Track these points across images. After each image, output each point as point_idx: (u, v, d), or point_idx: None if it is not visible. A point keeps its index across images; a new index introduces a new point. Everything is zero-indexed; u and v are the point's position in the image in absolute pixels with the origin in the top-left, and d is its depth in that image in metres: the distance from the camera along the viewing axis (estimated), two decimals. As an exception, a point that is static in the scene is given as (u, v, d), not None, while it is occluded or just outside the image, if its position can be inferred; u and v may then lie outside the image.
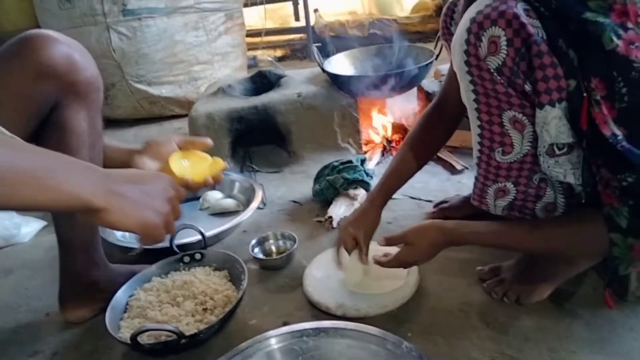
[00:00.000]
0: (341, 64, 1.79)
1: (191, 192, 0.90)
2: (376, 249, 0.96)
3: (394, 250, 0.92)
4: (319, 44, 3.08)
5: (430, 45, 2.09)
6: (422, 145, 1.06)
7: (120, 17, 2.04)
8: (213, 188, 1.43)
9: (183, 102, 2.27)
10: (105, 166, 1.03)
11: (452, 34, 0.96)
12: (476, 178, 0.88)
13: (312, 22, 3.05)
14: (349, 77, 1.64)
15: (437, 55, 1.62)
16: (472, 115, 0.82)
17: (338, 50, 2.66)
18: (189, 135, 1.85)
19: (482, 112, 0.79)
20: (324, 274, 1.04)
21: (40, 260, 1.30)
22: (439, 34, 1.10)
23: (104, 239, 1.14)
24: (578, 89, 0.69)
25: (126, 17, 2.04)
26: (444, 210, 1.22)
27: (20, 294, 1.18)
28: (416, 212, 1.29)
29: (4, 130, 0.62)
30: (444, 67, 1.63)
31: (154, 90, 2.19)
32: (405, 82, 1.59)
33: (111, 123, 2.23)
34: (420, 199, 1.34)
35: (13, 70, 0.80)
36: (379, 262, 0.93)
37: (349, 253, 1.00)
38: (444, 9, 1.04)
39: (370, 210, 1.03)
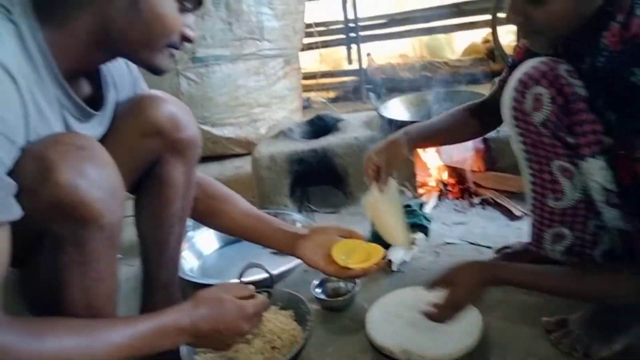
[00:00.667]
0: (396, 109, 1.85)
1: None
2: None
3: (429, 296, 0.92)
4: (371, 86, 3.20)
5: (482, 88, 2.13)
6: (457, 127, 1.14)
7: (189, 64, 2.20)
8: None
9: (243, 142, 2.39)
10: (269, 246, 1.19)
11: (514, 62, 1.05)
12: (532, 224, 0.91)
13: (364, 65, 3.16)
14: (404, 123, 1.69)
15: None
16: (523, 164, 0.89)
17: (389, 92, 2.73)
18: (251, 173, 1.95)
19: (532, 161, 0.86)
20: (386, 317, 1.06)
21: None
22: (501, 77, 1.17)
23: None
24: (615, 147, 0.73)
25: (195, 64, 2.20)
26: (506, 257, 1.22)
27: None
28: (476, 258, 1.30)
29: None
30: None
31: (216, 131, 2.33)
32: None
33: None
34: (479, 245, 1.35)
35: (125, 127, 0.89)
36: (429, 316, 0.90)
37: (371, 181, 1.05)
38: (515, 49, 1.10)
39: (399, 140, 1.06)
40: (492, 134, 1.71)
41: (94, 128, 0.85)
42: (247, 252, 1.41)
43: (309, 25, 2.66)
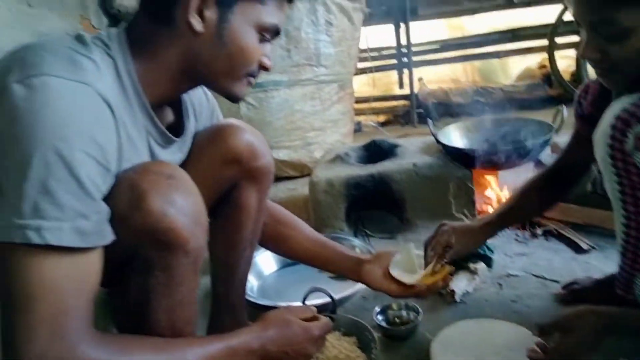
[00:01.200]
0: (453, 135, 1.84)
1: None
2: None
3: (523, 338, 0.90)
4: (422, 110, 3.20)
5: (540, 114, 2.08)
6: (534, 200, 1.14)
7: (249, 89, 2.28)
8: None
9: (297, 165, 2.43)
10: (334, 271, 1.22)
11: (582, 109, 1.02)
12: (621, 267, 0.87)
13: (415, 90, 3.16)
14: (463, 150, 1.68)
15: (557, 130, 1.62)
16: (616, 204, 0.84)
17: (441, 116, 2.72)
18: (305, 195, 1.98)
19: (628, 203, 0.82)
20: (451, 349, 1.05)
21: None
22: (565, 108, 1.15)
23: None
24: None
25: (255, 89, 2.28)
26: (574, 293, 1.18)
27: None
28: (541, 291, 1.26)
29: None
30: (562, 141, 1.62)
31: (273, 154, 2.38)
32: (522, 156, 1.60)
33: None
34: (544, 278, 1.31)
35: (205, 154, 0.94)
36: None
37: (433, 250, 1.06)
38: (579, 90, 1.07)
39: (479, 230, 1.09)
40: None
41: (174, 154, 0.90)
42: (305, 275, 1.42)
43: (362, 51, 2.70)
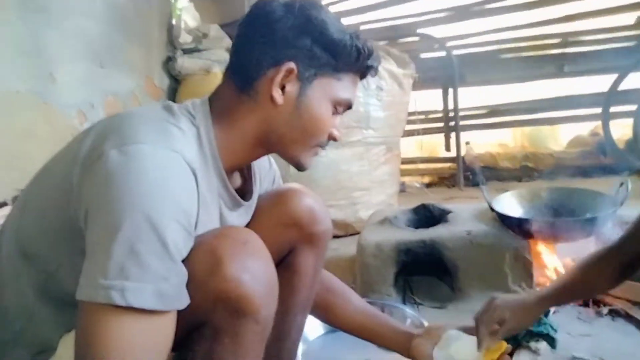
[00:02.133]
0: (508, 203, 1.79)
1: None
2: None
3: None
4: (469, 173, 3.16)
5: (592, 183, 2.01)
6: (598, 276, 1.06)
7: (315, 158, 2.33)
8: None
9: (341, 225, 2.42)
10: (383, 346, 1.16)
11: None
12: None
13: (462, 153, 3.15)
14: (521, 220, 1.62)
15: (621, 203, 1.55)
16: None
17: (488, 181, 2.68)
18: (349, 256, 1.95)
19: None
20: None
21: None
22: (629, 181, 1.11)
23: None
24: None
25: (304, 149, 2.33)
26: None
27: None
28: (613, 379, 1.16)
29: None
30: (626, 214, 1.54)
31: (321, 214, 2.39)
32: (584, 230, 1.53)
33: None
34: (616, 364, 1.21)
35: (267, 218, 0.94)
36: None
37: (485, 326, 0.99)
38: None
39: (534, 305, 1.02)
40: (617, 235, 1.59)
41: (241, 217, 0.91)
42: (352, 342, 1.36)
43: (410, 113, 2.74)
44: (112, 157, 0.64)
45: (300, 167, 0.88)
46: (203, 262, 0.68)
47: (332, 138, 0.87)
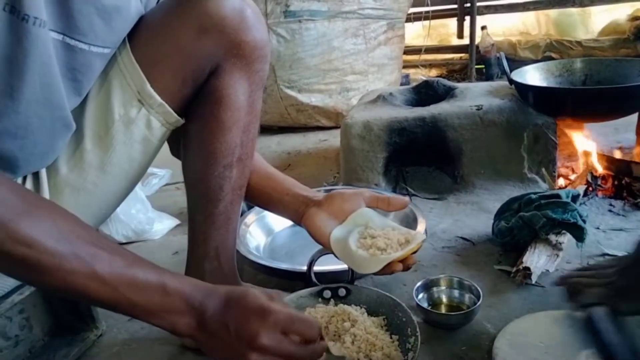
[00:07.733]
0: (532, 76, 1.44)
1: None
2: None
3: None
4: (483, 66, 2.76)
5: None
6: None
7: (281, 18, 1.95)
8: None
9: (330, 114, 2.10)
10: (276, 213, 0.90)
11: None
12: None
13: (477, 40, 2.72)
14: (550, 90, 1.28)
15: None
16: None
17: (505, 73, 2.30)
18: (337, 148, 1.65)
19: None
20: (523, 352, 0.71)
21: (166, 263, 1.15)
22: None
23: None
24: None
25: (287, 18, 1.95)
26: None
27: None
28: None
29: None
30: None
31: (303, 98, 2.06)
32: (630, 101, 1.20)
33: (256, 129, 2.15)
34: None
35: (175, 21, 0.69)
36: None
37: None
38: None
39: None
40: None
41: None
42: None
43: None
44: None
45: None
46: None
47: None
